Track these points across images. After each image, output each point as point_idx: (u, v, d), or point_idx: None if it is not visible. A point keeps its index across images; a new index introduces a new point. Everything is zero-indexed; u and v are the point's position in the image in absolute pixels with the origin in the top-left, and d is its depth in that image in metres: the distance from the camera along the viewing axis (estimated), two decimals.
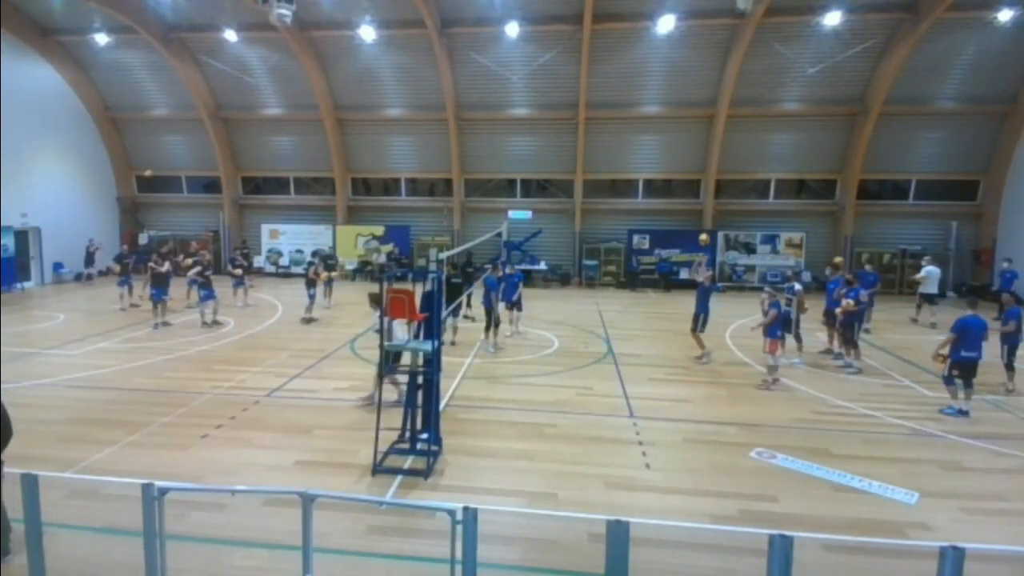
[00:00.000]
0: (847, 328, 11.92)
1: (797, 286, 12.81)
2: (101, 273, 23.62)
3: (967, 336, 9.24)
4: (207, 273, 15.39)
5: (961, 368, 9.27)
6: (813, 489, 6.86)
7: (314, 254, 16.97)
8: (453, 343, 13.36)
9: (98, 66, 23.55)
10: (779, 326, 10.63)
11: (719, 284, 23.20)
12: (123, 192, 26.01)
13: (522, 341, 14.07)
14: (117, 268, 17.82)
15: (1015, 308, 10.83)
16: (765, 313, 10.79)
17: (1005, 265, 17.64)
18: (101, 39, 21.78)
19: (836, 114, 21.93)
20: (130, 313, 16.58)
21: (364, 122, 24.25)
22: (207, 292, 15.10)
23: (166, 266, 15.32)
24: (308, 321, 15.66)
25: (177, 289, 16.93)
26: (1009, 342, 10.74)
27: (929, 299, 16.48)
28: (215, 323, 15.17)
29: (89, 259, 23.04)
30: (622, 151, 23.64)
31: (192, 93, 23.31)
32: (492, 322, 13.14)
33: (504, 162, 24.38)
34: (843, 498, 6.65)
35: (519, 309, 14.64)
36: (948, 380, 9.37)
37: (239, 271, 17.94)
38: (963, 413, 9.22)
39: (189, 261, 16.49)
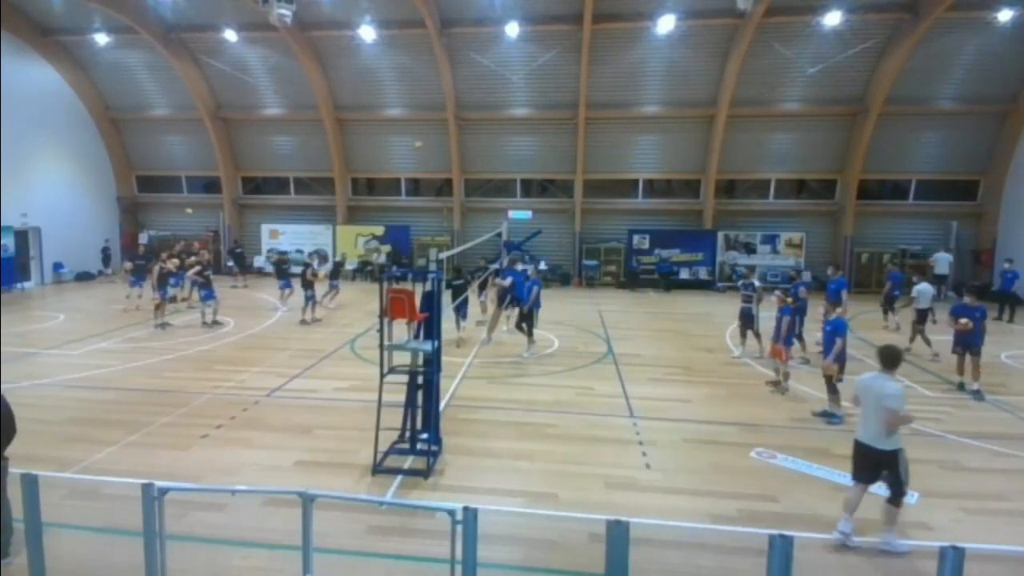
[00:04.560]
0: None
1: (757, 283, 12.80)
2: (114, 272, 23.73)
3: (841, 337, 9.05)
4: (207, 273, 15.40)
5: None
6: (813, 489, 6.87)
7: (313, 253, 17.00)
8: (459, 344, 13.44)
9: (98, 66, 23.57)
10: (790, 332, 10.43)
11: (720, 285, 23.23)
12: (123, 192, 26.02)
13: (522, 340, 14.02)
14: (130, 267, 17.80)
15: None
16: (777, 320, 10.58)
17: (1006, 266, 17.64)
18: (101, 39, 21.81)
19: (836, 114, 21.93)
20: (131, 313, 16.58)
21: (364, 122, 24.25)
22: (207, 292, 15.11)
23: (170, 264, 15.40)
24: (309, 322, 15.66)
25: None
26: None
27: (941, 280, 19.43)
28: (215, 323, 15.17)
29: (106, 259, 23.02)
30: (622, 151, 23.64)
31: (192, 93, 23.31)
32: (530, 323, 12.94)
33: (504, 162, 24.37)
34: (843, 498, 6.63)
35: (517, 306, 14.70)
36: (832, 388, 9.10)
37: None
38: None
39: (192, 259, 16.63)
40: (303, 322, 15.61)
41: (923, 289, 13.32)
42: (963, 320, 10.32)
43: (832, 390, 9.07)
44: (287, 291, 17.59)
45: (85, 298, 19.64)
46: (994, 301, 17.45)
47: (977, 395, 10.20)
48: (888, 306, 15.61)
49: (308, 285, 15.66)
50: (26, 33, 21.42)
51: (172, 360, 12.01)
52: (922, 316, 13.15)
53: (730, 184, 23.79)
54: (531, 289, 12.96)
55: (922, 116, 21.50)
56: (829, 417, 9.04)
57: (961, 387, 10.58)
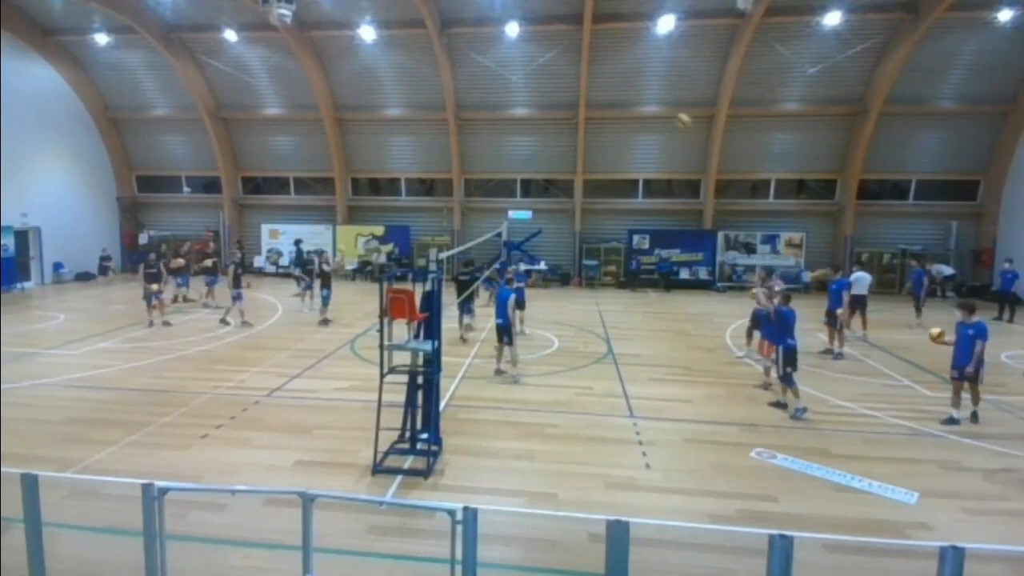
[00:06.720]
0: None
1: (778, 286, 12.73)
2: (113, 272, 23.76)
3: (788, 326, 9.24)
4: (239, 272, 15.42)
5: (793, 360, 9.16)
6: (813, 489, 6.86)
7: (319, 254, 17.01)
8: (464, 339, 13.50)
9: (98, 66, 23.57)
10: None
11: (720, 285, 23.21)
12: (123, 192, 26.01)
13: (524, 341, 14.03)
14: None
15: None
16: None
17: (1006, 266, 17.64)
18: (101, 39, 21.80)
19: (836, 114, 21.93)
20: (130, 313, 16.56)
21: (364, 122, 24.25)
22: (235, 292, 15.16)
23: (171, 266, 15.48)
24: (331, 320, 15.67)
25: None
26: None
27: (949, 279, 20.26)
28: (223, 322, 15.20)
29: (103, 268, 23.05)
30: (622, 151, 23.64)
31: (192, 93, 23.31)
32: (510, 340, 10.89)
33: (504, 162, 24.38)
34: (843, 498, 6.65)
35: (521, 308, 14.23)
36: (788, 380, 9.18)
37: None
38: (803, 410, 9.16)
39: (181, 261, 17.09)
40: (324, 321, 15.57)
41: (860, 277, 14.07)
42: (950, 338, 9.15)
43: (789, 382, 9.22)
44: (308, 291, 17.65)
45: (85, 298, 19.64)
46: (994, 301, 17.48)
47: (974, 417, 9.02)
48: (918, 303, 16.32)
49: (325, 284, 15.73)
50: (26, 33, 21.41)
51: (172, 360, 12.01)
52: (855, 302, 13.70)
53: (729, 184, 23.76)
54: (504, 297, 11.02)
55: (922, 116, 21.48)
56: (794, 410, 9.14)
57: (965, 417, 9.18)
